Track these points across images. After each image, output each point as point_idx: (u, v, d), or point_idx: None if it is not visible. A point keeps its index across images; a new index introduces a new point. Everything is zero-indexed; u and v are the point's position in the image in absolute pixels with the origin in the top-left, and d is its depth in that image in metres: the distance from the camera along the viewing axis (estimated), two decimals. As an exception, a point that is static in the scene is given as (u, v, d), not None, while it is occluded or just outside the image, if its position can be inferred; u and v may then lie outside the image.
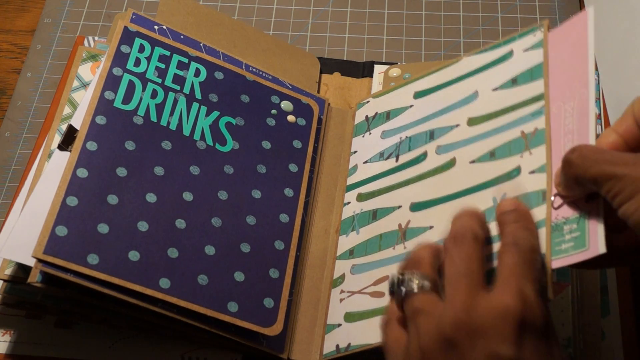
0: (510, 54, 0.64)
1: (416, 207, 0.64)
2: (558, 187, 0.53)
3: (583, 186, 0.50)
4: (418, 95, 0.71)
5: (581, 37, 0.58)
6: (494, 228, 0.54)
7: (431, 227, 0.61)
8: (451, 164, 0.63)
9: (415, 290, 0.51)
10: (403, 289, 0.51)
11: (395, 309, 0.53)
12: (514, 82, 0.62)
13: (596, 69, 0.81)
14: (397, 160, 0.68)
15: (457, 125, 0.65)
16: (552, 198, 0.54)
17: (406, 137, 0.69)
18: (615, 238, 0.54)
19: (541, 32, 0.62)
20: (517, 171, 0.57)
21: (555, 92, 0.58)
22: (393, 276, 0.52)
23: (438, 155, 0.65)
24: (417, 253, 0.54)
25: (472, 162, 0.61)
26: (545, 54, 0.61)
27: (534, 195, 0.55)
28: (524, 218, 0.53)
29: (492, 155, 0.60)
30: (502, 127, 0.61)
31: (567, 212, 0.52)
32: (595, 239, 0.49)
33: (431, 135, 0.66)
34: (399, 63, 0.81)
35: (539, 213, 0.54)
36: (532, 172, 0.56)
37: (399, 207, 0.65)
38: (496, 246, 0.53)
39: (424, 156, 0.66)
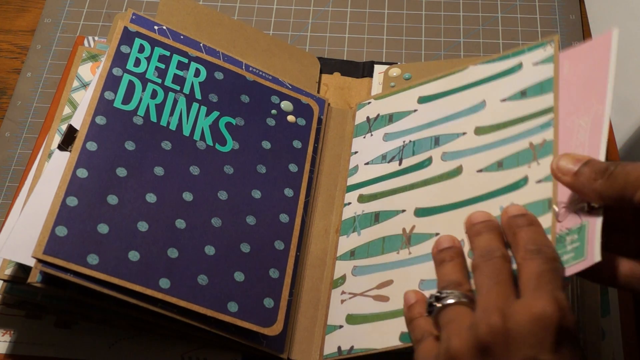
0: (519, 66, 0.65)
1: (421, 212, 0.64)
2: (577, 189, 0.52)
3: (609, 196, 0.50)
4: (423, 100, 0.71)
5: (603, 56, 0.59)
6: None
7: (437, 234, 0.61)
8: (457, 171, 0.63)
9: (452, 303, 0.52)
10: (439, 305, 0.52)
11: (431, 327, 0.53)
12: (523, 94, 0.63)
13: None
14: (400, 164, 0.68)
15: (464, 134, 0.65)
16: (556, 209, 0.54)
17: (410, 141, 0.69)
18: (621, 263, 0.53)
19: (551, 47, 0.63)
20: (524, 181, 0.58)
21: (570, 107, 0.59)
22: (431, 294, 0.53)
23: (444, 162, 0.65)
24: (450, 275, 0.54)
25: (479, 171, 0.62)
26: (555, 69, 0.62)
27: (539, 204, 0.56)
28: (536, 223, 0.53)
29: (499, 165, 0.61)
30: (510, 137, 0.61)
31: (570, 223, 0.53)
32: (592, 248, 0.50)
33: (436, 141, 0.67)
34: (399, 63, 0.81)
35: (544, 221, 0.54)
36: (539, 181, 0.57)
37: (403, 211, 0.65)
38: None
39: (429, 161, 0.66)
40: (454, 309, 0.51)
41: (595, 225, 0.51)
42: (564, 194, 0.55)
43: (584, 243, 0.51)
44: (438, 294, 0.53)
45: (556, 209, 0.54)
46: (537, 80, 0.63)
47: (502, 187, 0.59)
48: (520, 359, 0.47)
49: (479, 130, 0.64)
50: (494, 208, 0.58)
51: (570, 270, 0.51)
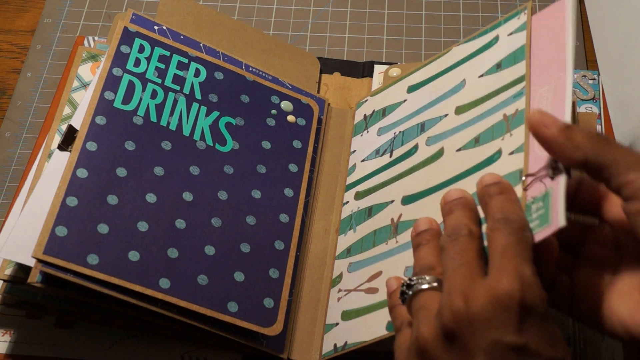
0: (496, 39, 0.64)
1: (407, 200, 0.63)
2: (569, 153, 0.49)
3: (593, 160, 0.48)
4: (411, 89, 0.71)
5: (561, 23, 0.58)
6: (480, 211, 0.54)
7: None
8: (439, 153, 0.63)
9: (422, 289, 0.51)
10: (410, 292, 0.51)
11: (407, 314, 0.52)
12: (499, 66, 0.62)
13: (597, 69, 0.81)
14: (391, 156, 0.68)
15: (446, 115, 0.65)
16: (523, 178, 0.53)
17: (399, 131, 0.69)
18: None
19: (525, 14, 0.62)
20: (498, 154, 0.57)
21: (532, 76, 0.58)
22: (403, 282, 0.52)
23: (428, 147, 0.65)
24: (425, 259, 0.53)
25: (459, 150, 0.61)
26: (528, 36, 0.61)
27: (511, 175, 0.54)
28: (508, 190, 0.52)
29: (476, 141, 0.60)
30: (486, 112, 0.61)
31: (535, 191, 0.52)
32: (556, 213, 0.48)
33: (422, 127, 0.66)
34: (399, 63, 0.81)
35: (516, 192, 0.53)
36: (512, 153, 0.56)
37: (392, 201, 0.65)
38: (484, 227, 0.52)
39: (415, 149, 0.66)
40: (424, 295, 0.50)
41: (559, 191, 0.49)
42: (532, 163, 0.53)
43: (549, 209, 0.49)
44: (409, 281, 0.52)
45: (523, 178, 0.53)
46: (510, 50, 0.62)
47: (478, 162, 0.58)
48: (486, 342, 0.46)
49: (459, 110, 0.64)
50: (471, 185, 0.57)
51: (536, 237, 0.49)
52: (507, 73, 0.61)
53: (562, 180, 0.50)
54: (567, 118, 0.51)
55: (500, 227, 0.49)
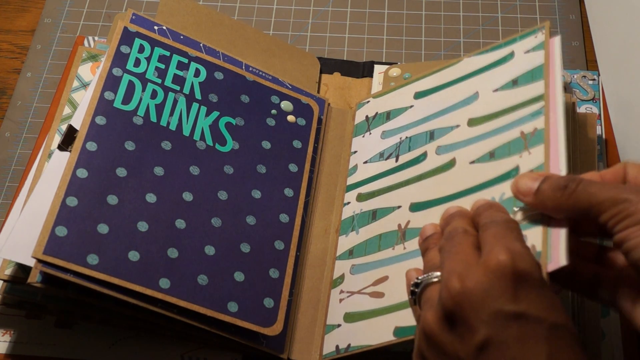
0: (511, 55, 0.64)
1: (416, 207, 0.64)
2: (540, 207, 0.53)
3: (572, 212, 0.50)
4: (418, 95, 0.71)
5: (552, 61, 0.60)
6: None
7: None
8: (451, 164, 0.63)
9: (428, 284, 0.52)
10: (418, 290, 0.53)
11: (419, 311, 0.54)
12: (515, 83, 0.62)
13: (597, 69, 0.81)
14: (397, 161, 0.68)
15: (458, 126, 0.65)
16: (515, 209, 0.55)
17: (406, 137, 0.69)
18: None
19: (542, 33, 0.63)
20: (516, 171, 0.58)
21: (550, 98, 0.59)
22: (412, 282, 0.54)
23: (438, 156, 0.65)
24: (432, 260, 0.54)
25: (472, 162, 0.61)
26: (546, 55, 0.61)
27: None
28: (496, 206, 0.54)
29: (491, 155, 0.60)
30: (502, 127, 0.61)
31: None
32: (557, 252, 0.50)
33: (431, 135, 0.66)
34: (399, 63, 0.81)
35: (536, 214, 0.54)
36: (531, 171, 0.57)
37: (399, 207, 0.65)
38: None
39: (423, 156, 0.66)
40: (430, 289, 0.52)
41: (559, 232, 0.51)
42: None
43: (549, 246, 0.51)
44: (417, 281, 0.53)
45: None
46: (528, 68, 0.62)
47: (494, 177, 0.59)
48: (486, 314, 0.47)
49: (472, 122, 0.64)
50: (486, 199, 0.58)
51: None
52: (524, 90, 0.61)
53: (561, 223, 0.52)
54: (561, 163, 0.55)
55: (488, 226, 0.51)
